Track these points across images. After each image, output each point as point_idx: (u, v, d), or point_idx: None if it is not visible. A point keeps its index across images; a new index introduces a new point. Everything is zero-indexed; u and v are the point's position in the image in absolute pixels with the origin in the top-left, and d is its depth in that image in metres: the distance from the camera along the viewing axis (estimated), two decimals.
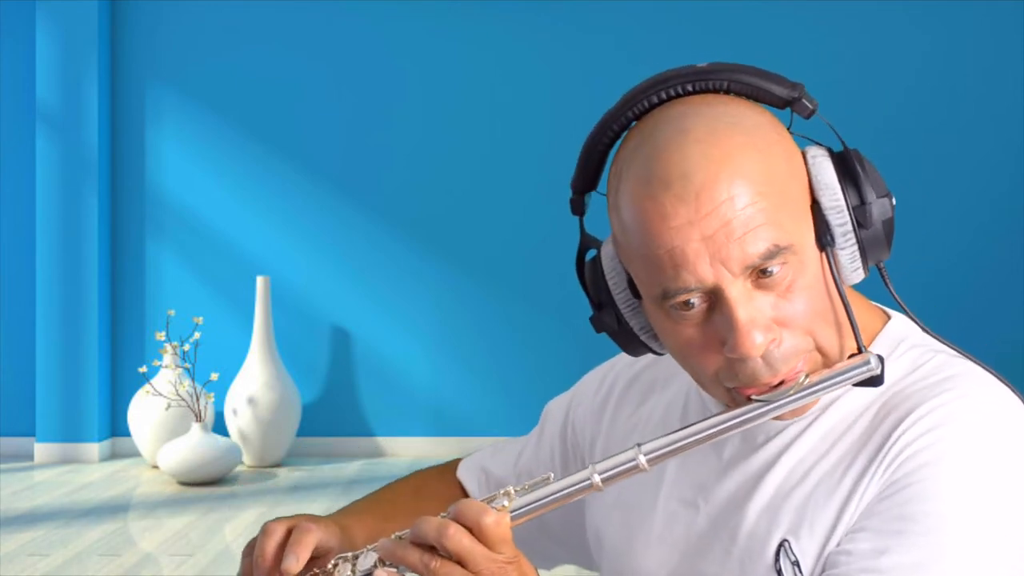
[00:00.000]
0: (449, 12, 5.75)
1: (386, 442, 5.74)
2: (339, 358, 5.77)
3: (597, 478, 0.93)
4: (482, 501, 0.92)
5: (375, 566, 0.93)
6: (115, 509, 4.56)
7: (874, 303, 1.05)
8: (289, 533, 0.99)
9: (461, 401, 5.74)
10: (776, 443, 0.99)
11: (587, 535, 1.19)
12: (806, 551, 0.93)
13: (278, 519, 1.00)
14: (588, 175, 1.01)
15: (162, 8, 5.76)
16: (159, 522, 4.32)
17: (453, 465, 1.30)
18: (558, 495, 0.93)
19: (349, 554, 0.96)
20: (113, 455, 5.73)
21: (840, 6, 5.72)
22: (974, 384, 0.94)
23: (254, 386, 5.35)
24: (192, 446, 4.94)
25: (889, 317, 1.03)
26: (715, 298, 0.90)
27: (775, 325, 0.91)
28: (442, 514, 0.92)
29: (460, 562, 0.88)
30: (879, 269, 0.97)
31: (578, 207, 1.03)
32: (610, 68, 5.73)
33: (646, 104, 0.95)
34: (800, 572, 0.93)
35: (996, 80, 5.72)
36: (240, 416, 5.34)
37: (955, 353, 0.99)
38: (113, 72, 5.76)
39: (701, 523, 1.02)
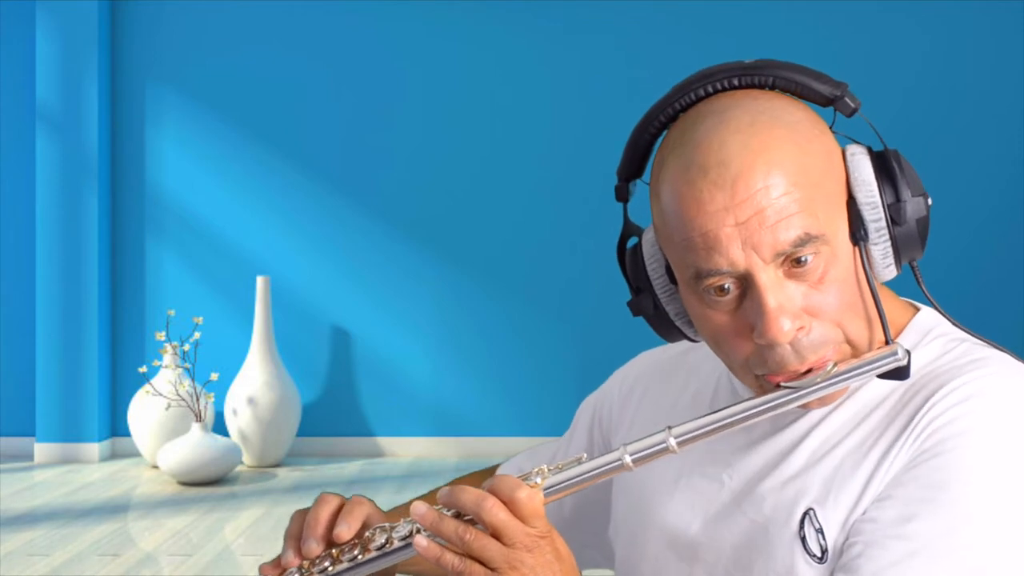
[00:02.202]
0: (449, 12, 5.75)
1: (386, 442, 5.73)
2: (339, 358, 5.77)
3: (628, 459, 0.95)
4: (517, 478, 0.94)
5: (411, 534, 0.96)
6: (115, 509, 4.56)
7: (903, 299, 1.07)
8: (342, 505, 1.02)
9: (461, 401, 5.74)
10: (804, 422, 1.00)
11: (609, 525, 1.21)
12: (830, 520, 0.94)
13: (333, 493, 1.04)
14: (633, 163, 1.05)
15: (162, 8, 5.77)
16: (159, 522, 4.32)
17: (492, 471, 1.33)
18: (589, 474, 0.96)
19: (387, 524, 0.99)
20: (113, 455, 5.73)
21: (840, 6, 5.72)
22: (1002, 365, 0.95)
23: (254, 386, 5.35)
24: (192, 446, 4.94)
25: (918, 310, 1.05)
26: (747, 284, 0.93)
27: (804, 314, 0.93)
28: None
29: (496, 534, 0.91)
30: (912, 267, 1.00)
31: (622, 194, 1.06)
32: (610, 68, 5.73)
33: (692, 97, 0.99)
34: (824, 539, 0.94)
35: (996, 79, 5.72)
36: (240, 416, 5.34)
37: (983, 343, 1.01)
38: (113, 72, 5.76)
39: (724, 496, 1.03)
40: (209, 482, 5.01)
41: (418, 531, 0.96)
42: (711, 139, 0.93)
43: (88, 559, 3.81)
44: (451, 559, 0.91)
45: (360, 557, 0.98)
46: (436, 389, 5.75)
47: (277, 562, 1.01)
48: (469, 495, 0.92)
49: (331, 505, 1.01)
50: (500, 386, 5.74)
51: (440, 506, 0.95)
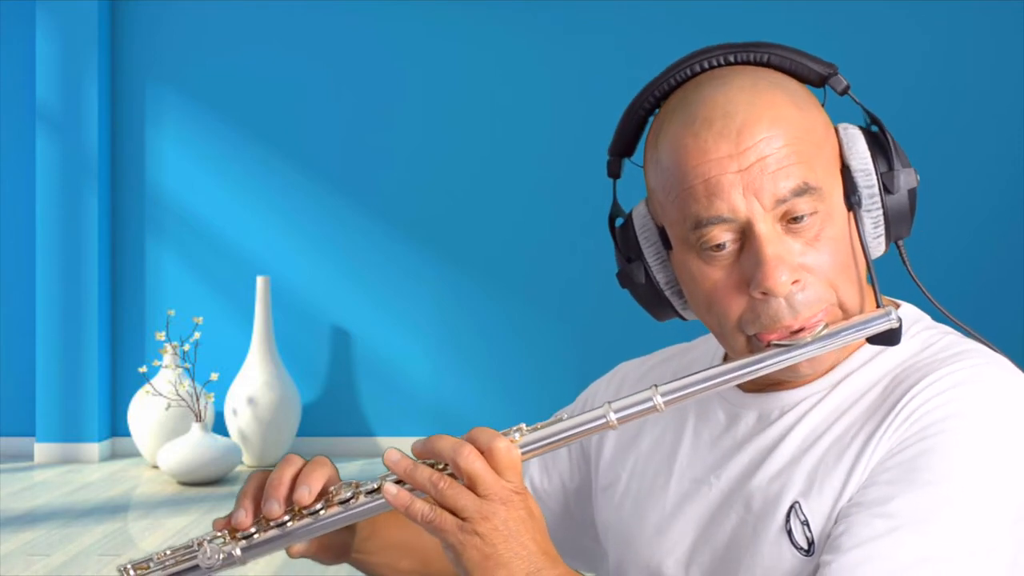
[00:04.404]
0: (449, 12, 5.75)
1: (386, 442, 5.73)
2: (339, 358, 5.77)
3: (613, 416, 0.94)
4: (495, 431, 0.93)
5: (379, 487, 0.94)
6: (115, 509, 4.56)
7: (885, 296, 1.07)
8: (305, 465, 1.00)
9: (461, 401, 5.74)
10: (789, 417, 1.01)
11: (598, 535, 1.19)
12: (816, 511, 0.95)
13: (297, 455, 1.01)
14: (626, 139, 1.05)
15: (162, 8, 5.76)
16: (159, 522, 4.32)
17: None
18: (571, 432, 0.94)
19: (353, 481, 0.96)
20: (113, 455, 5.73)
21: (840, 6, 5.72)
22: (984, 357, 0.96)
23: (254, 386, 5.35)
24: (192, 446, 4.94)
25: (899, 306, 1.06)
26: (745, 238, 0.94)
27: (801, 269, 0.94)
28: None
29: (470, 484, 0.90)
30: (898, 247, 1.01)
31: (614, 169, 1.07)
32: (610, 68, 5.72)
33: (688, 72, 1.00)
34: (810, 531, 0.95)
35: (996, 79, 5.72)
36: (240, 416, 5.34)
37: (965, 335, 1.02)
38: (113, 72, 5.76)
39: (715, 497, 1.03)
40: (209, 482, 5.01)
41: (388, 481, 0.93)
42: (716, 96, 0.95)
43: (88, 559, 3.81)
44: (421, 508, 0.90)
45: (323, 512, 0.95)
46: (436, 389, 5.75)
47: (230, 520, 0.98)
48: (446, 442, 0.91)
49: (295, 466, 0.98)
50: (500, 386, 5.74)
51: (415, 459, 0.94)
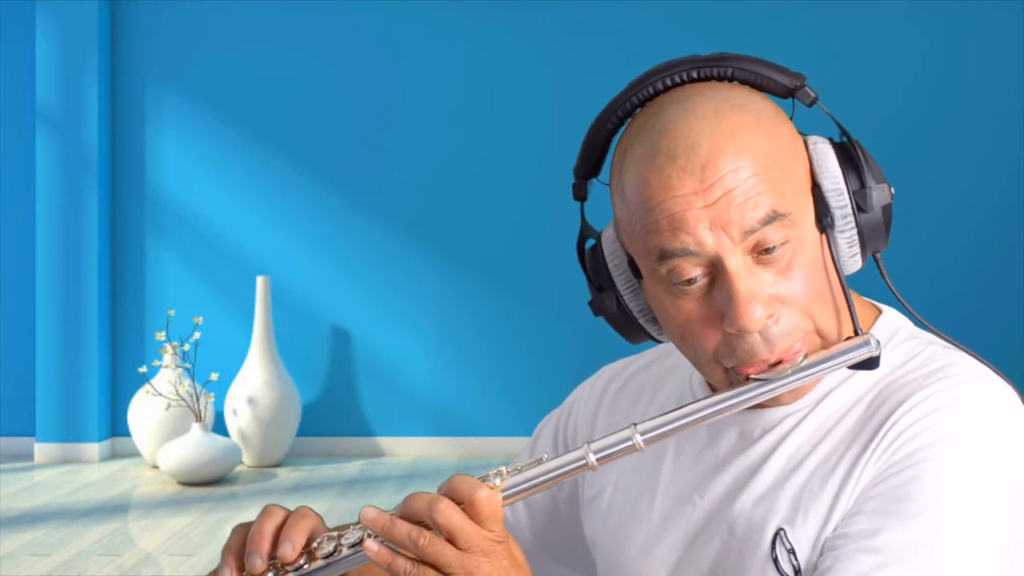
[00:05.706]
0: (449, 12, 5.75)
1: (386, 442, 5.73)
2: (339, 358, 5.77)
3: (592, 457, 0.92)
4: (475, 479, 0.91)
5: (361, 540, 0.92)
6: (115, 509, 4.56)
7: (866, 299, 1.05)
8: (287, 518, 0.97)
9: (461, 401, 5.74)
10: (772, 436, 0.99)
11: (587, 547, 1.18)
12: (801, 539, 0.93)
13: (278, 505, 0.99)
14: (591, 161, 1.03)
15: (162, 8, 5.76)
16: (159, 522, 4.32)
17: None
18: (551, 475, 0.93)
19: (334, 532, 0.95)
20: (113, 455, 5.73)
21: (840, 6, 5.72)
22: (967, 372, 0.94)
23: (254, 386, 5.35)
24: (192, 446, 4.94)
25: (880, 312, 1.04)
26: (716, 272, 0.91)
27: (774, 301, 0.91)
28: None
29: (450, 538, 0.88)
30: (876, 260, 0.98)
31: (580, 192, 1.04)
32: (610, 68, 5.72)
33: (651, 90, 0.97)
34: (795, 559, 0.93)
35: (996, 79, 5.72)
36: (240, 416, 5.34)
37: (948, 344, 1.00)
38: (113, 72, 5.76)
39: (698, 518, 1.01)
40: (209, 482, 5.01)
41: (368, 536, 0.91)
42: (677, 126, 0.92)
43: (88, 559, 3.81)
44: (403, 564, 0.88)
45: (306, 567, 0.93)
46: (436, 389, 5.75)
47: None
48: (421, 500, 0.89)
49: (276, 519, 0.95)
50: (500, 386, 5.74)
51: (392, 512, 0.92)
